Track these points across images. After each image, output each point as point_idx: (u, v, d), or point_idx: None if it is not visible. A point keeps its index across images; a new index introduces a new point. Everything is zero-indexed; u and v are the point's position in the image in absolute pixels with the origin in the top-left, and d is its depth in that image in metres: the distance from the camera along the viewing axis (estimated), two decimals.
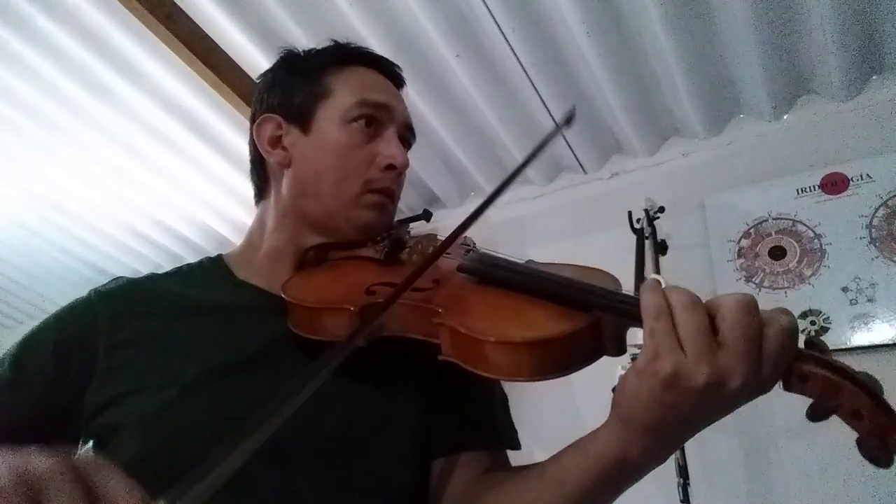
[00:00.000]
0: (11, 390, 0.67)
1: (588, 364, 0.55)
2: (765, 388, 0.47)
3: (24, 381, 0.67)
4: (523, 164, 0.73)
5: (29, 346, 0.70)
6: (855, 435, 0.47)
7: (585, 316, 0.55)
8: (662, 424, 0.49)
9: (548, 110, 2.07)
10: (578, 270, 0.65)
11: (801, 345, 0.50)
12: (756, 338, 0.46)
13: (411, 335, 0.62)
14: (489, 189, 2.48)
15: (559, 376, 0.54)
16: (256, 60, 2.01)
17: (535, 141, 2.27)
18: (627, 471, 0.54)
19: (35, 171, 2.56)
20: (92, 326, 0.69)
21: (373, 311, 0.63)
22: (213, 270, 0.80)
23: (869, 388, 0.47)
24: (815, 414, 0.49)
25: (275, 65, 0.86)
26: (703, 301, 0.49)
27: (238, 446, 0.42)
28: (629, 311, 0.53)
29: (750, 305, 0.47)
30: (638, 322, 0.51)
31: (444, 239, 0.65)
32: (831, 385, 0.47)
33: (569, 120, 0.72)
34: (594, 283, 0.59)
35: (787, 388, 0.49)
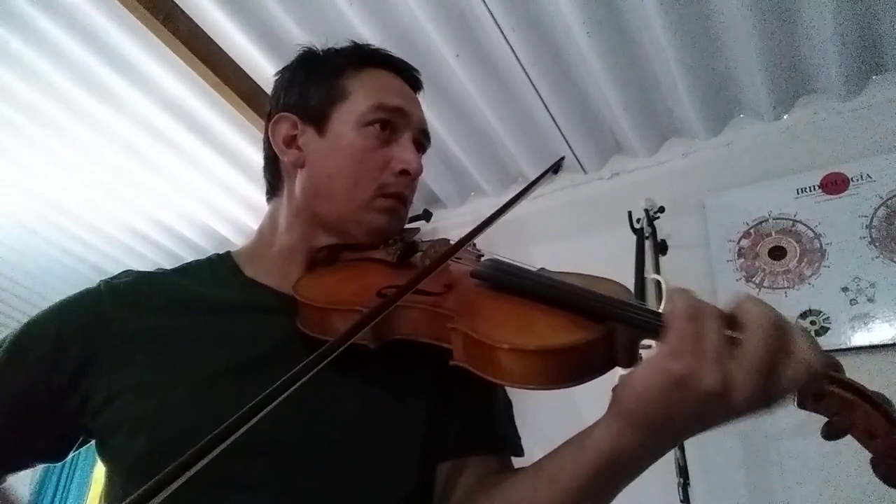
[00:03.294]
0: (5, 370, 0.67)
1: (599, 375, 0.55)
2: (770, 408, 0.47)
3: (19, 362, 0.67)
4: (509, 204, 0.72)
5: (31, 329, 0.70)
6: (868, 453, 0.47)
7: (600, 326, 0.54)
8: (661, 421, 0.49)
9: (548, 110, 2.07)
10: (590, 280, 0.64)
11: None
12: (773, 361, 0.46)
13: (423, 339, 0.62)
14: (489, 189, 2.49)
15: (570, 386, 0.54)
16: (257, 60, 2.01)
17: (535, 140, 2.28)
18: (621, 467, 0.53)
19: (35, 171, 2.56)
20: (98, 317, 0.69)
21: (397, 318, 0.62)
22: (222, 268, 0.80)
23: (884, 408, 0.46)
24: (830, 433, 0.48)
25: (292, 63, 0.85)
26: (733, 303, 0.49)
27: (220, 440, 0.42)
28: (646, 324, 0.52)
29: (777, 328, 0.46)
30: (653, 334, 0.51)
31: (455, 243, 0.65)
32: (846, 404, 0.47)
33: (556, 169, 0.73)
34: (608, 293, 0.58)
35: (802, 405, 0.49)
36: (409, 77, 0.85)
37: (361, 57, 0.82)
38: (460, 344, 0.58)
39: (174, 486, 0.39)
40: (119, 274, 0.77)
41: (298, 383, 0.47)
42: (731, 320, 0.48)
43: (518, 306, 0.61)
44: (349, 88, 0.78)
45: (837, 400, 0.47)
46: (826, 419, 0.48)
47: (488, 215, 0.69)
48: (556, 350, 0.53)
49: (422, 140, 0.84)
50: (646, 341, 0.54)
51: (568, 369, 0.54)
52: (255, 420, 0.44)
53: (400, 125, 0.79)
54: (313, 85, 0.80)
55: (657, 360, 0.48)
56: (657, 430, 0.50)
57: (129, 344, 0.67)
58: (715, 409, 0.47)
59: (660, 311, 0.52)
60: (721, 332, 0.47)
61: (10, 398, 0.66)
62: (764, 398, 0.46)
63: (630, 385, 0.49)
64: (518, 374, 0.55)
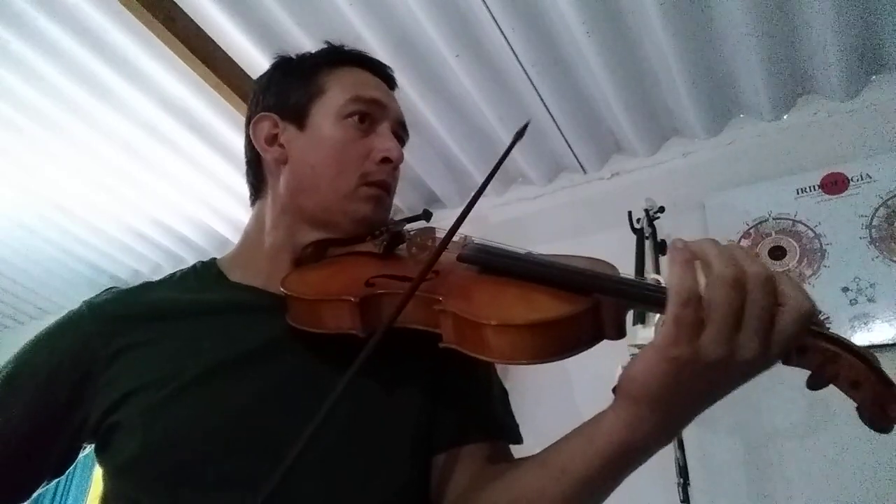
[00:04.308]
0: (2, 407, 0.68)
1: (587, 347, 0.56)
2: (769, 364, 0.48)
3: (15, 397, 0.68)
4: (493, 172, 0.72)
5: (22, 362, 0.70)
6: (854, 405, 0.49)
7: (586, 299, 0.56)
8: (673, 401, 0.50)
9: (548, 110, 2.07)
10: (577, 260, 0.66)
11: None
12: (770, 317, 0.47)
13: (412, 326, 0.63)
14: (489, 189, 2.47)
15: (559, 359, 0.55)
16: (256, 60, 2.01)
17: (535, 140, 2.28)
18: (632, 456, 0.54)
19: (35, 171, 2.56)
20: (85, 339, 0.69)
21: (376, 306, 0.63)
22: (206, 274, 0.80)
23: (867, 357, 0.48)
24: (814, 383, 0.50)
25: (269, 68, 0.87)
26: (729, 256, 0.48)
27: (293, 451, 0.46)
28: (631, 293, 0.54)
29: (771, 282, 0.47)
30: (639, 304, 0.51)
31: (442, 231, 0.65)
32: (830, 356, 0.48)
33: (521, 133, 0.74)
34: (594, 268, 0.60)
35: (786, 361, 0.50)
36: (384, 74, 0.86)
37: (336, 56, 0.84)
38: (449, 325, 0.59)
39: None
40: (101, 293, 0.78)
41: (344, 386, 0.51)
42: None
43: (505, 286, 0.62)
44: (326, 84, 0.80)
45: (821, 352, 0.49)
46: (810, 371, 0.50)
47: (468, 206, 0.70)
48: (542, 323, 0.54)
49: (400, 132, 0.85)
50: (641, 342, 0.54)
51: (556, 342, 0.55)
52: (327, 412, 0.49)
53: (378, 116, 0.80)
54: (291, 85, 0.82)
55: (660, 348, 0.48)
56: (668, 409, 0.50)
57: (119, 359, 0.68)
58: (720, 376, 0.48)
59: (642, 281, 0.53)
60: (724, 307, 0.46)
61: (13, 431, 0.67)
62: (765, 356, 0.47)
63: (637, 374, 0.50)
64: (507, 350, 0.55)
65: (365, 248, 0.77)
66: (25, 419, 0.67)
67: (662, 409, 0.50)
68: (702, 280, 0.47)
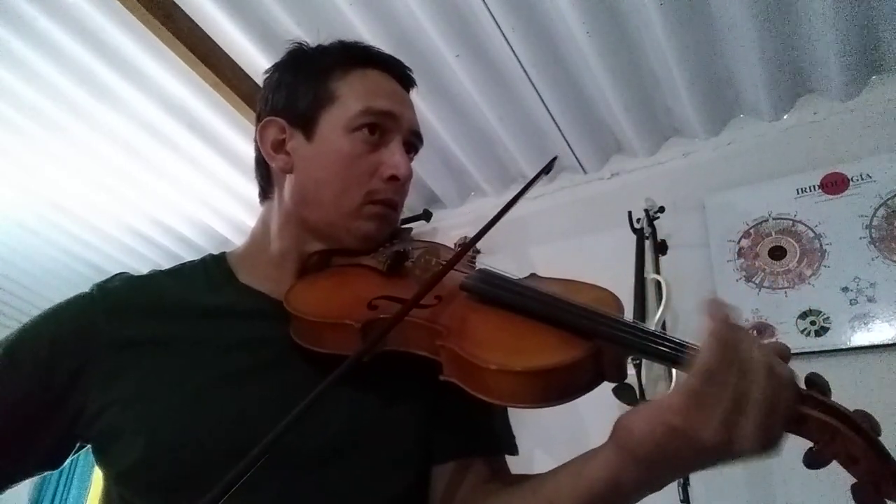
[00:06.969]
0: (1, 379, 0.66)
1: (588, 391, 0.55)
2: (770, 450, 0.47)
3: (14, 369, 0.66)
4: (510, 204, 0.72)
5: (26, 335, 0.69)
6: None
7: (588, 344, 0.55)
8: (660, 462, 0.50)
9: (548, 110, 2.07)
10: (581, 288, 0.64)
11: (801, 383, 0.49)
12: (776, 410, 0.46)
13: (414, 351, 0.62)
14: (489, 189, 2.49)
15: (560, 404, 0.54)
16: (256, 60, 2.01)
17: (535, 140, 2.27)
18: (620, 497, 0.54)
19: (35, 171, 2.56)
20: (91, 325, 0.68)
21: (377, 331, 0.62)
22: (216, 272, 0.79)
23: (866, 432, 0.46)
24: (813, 462, 0.48)
25: (280, 62, 0.83)
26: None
27: (254, 459, 0.46)
28: (633, 343, 0.52)
29: (774, 374, 0.47)
30: (640, 353, 0.51)
31: (447, 252, 0.64)
32: (828, 429, 0.47)
33: (548, 169, 0.73)
34: (596, 305, 0.58)
35: (786, 429, 0.49)
36: (400, 75, 0.82)
37: (350, 57, 0.79)
38: (449, 360, 0.59)
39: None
40: (112, 277, 0.76)
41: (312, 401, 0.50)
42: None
43: (506, 321, 0.61)
44: (337, 91, 0.76)
45: (818, 424, 0.47)
46: (810, 444, 0.48)
47: (487, 222, 0.70)
48: (543, 371, 0.54)
49: (413, 141, 0.81)
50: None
51: (556, 388, 0.54)
52: (276, 437, 0.48)
53: (390, 129, 0.77)
54: (301, 87, 0.78)
55: (662, 412, 0.48)
56: (656, 468, 0.51)
57: (124, 352, 0.66)
58: (715, 456, 0.48)
59: (647, 329, 0.53)
60: (734, 395, 0.46)
61: (6, 408, 0.65)
62: (765, 443, 0.47)
63: (632, 427, 0.50)
64: (507, 394, 0.55)
65: (370, 263, 0.75)
66: (21, 395, 0.65)
67: (650, 466, 0.50)
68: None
